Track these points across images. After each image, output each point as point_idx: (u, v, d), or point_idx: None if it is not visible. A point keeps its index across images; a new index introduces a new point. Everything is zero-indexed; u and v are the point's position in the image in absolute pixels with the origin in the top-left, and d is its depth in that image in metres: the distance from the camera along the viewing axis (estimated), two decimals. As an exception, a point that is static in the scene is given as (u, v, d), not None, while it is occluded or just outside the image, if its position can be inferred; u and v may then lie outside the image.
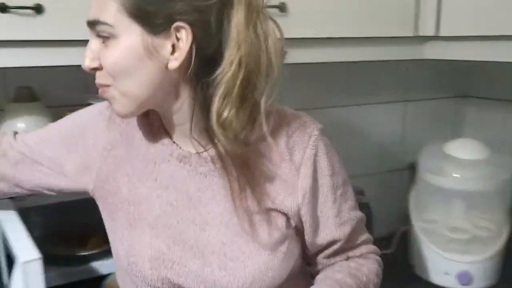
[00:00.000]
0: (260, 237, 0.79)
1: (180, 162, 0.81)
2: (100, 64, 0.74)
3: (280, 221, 0.81)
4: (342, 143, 1.59)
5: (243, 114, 0.72)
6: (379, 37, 1.22)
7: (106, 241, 0.90)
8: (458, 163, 1.40)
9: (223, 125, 0.72)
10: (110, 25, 0.70)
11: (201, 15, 0.70)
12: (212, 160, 0.79)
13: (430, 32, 1.27)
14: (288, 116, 0.83)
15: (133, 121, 0.85)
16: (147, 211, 0.83)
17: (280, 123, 0.81)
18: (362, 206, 1.38)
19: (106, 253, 1.06)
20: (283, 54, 0.76)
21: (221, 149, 0.75)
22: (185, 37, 0.70)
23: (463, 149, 1.41)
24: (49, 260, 0.81)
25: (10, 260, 0.89)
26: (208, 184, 0.81)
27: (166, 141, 0.82)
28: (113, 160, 0.86)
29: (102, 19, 0.71)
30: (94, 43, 0.74)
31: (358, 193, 1.43)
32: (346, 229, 0.85)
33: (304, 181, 0.80)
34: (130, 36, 0.71)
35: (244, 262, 0.79)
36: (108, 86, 0.75)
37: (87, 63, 0.74)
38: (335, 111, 1.57)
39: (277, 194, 0.80)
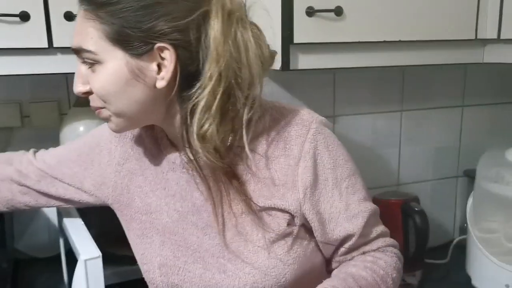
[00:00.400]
0: (254, 238, 0.79)
1: (183, 168, 0.83)
2: (91, 88, 0.75)
3: (281, 220, 0.80)
4: (396, 149, 1.58)
5: (224, 126, 0.73)
6: (437, 40, 1.19)
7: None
8: (520, 171, 1.34)
9: (203, 137, 0.72)
10: (93, 52, 0.72)
11: (180, 34, 0.71)
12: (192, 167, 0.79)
13: (492, 35, 1.23)
14: (286, 111, 0.82)
15: (143, 134, 0.87)
16: (157, 220, 0.85)
17: (278, 119, 0.80)
18: (417, 213, 1.36)
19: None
20: (265, 53, 0.75)
21: (200, 161, 0.75)
22: (169, 56, 0.71)
23: (525, 156, 1.35)
24: (105, 259, 0.83)
25: (69, 257, 0.92)
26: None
27: (170, 150, 0.84)
28: (127, 174, 0.88)
29: (85, 46, 0.72)
30: (83, 68, 0.75)
31: (413, 200, 1.40)
32: (359, 222, 0.82)
33: (304, 176, 0.79)
34: (115, 61, 0.72)
35: (242, 263, 0.79)
36: (102, 108, 0.76)
37: (79, 88, 0.76)
38: (390, 116, 1.55)
39: (273, 192, 0.79)
